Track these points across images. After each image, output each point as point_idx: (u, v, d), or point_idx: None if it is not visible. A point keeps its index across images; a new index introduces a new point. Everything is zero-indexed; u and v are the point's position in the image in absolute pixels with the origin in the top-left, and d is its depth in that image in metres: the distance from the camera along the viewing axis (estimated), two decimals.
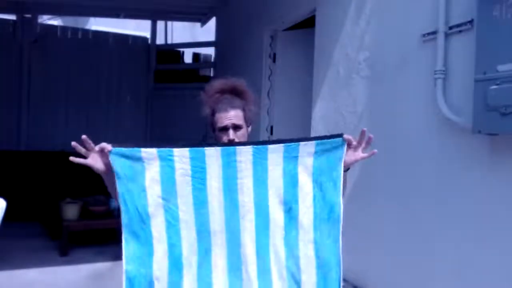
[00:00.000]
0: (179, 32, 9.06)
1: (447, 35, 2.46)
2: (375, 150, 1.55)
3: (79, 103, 6.57)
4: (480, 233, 2.26)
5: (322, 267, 1.51)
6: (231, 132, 1.62)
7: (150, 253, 1.42)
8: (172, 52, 7.67)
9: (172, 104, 6.76)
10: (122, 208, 1.41)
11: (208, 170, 1.44)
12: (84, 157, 1.44)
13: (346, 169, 1.53)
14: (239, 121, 1.65)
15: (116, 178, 1.39)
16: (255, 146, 1.46)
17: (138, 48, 7.13)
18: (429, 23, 2.57)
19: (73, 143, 1.41)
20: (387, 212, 2.93)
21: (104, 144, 1.42)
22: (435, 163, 2.56)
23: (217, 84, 1.73)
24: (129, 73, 6.98)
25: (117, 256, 4.24)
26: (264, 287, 1.46)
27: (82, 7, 6.86)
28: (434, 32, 2.52)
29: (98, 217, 4.38)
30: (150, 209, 1.42)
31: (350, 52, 3.37)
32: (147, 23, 7.42)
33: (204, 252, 1.45)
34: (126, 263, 1.39)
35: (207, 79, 7.39)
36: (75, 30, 6.99)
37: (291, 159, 1.47)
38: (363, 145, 1.55)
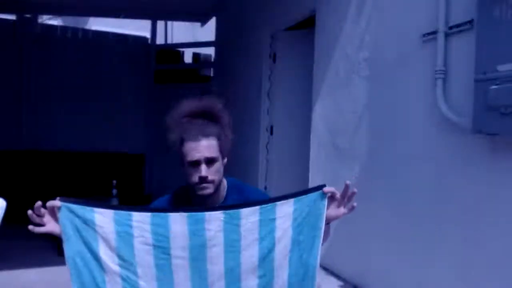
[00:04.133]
0: (179, 32, 9.06)
1: (447, 35, 2.46)
2: (355, 204, 1.37)
3: (79, 103, 6.56)
4: (481, 233, 2.25)
5: None
6: (203, 167, 1.36)
7: None
8: (172, 52, 7.67)
9: (172, 104, 6.75)
10: (72, 273, 1.27)
11: (173, 239, 1.28)
12: (42, 225, 1.27)
13: (327, 223, 1.36)
14: (213, 153, 1.38)
15: (64, 239, 1.25)
16: (226, 211, 1.30)
17: (138, 48, 7.13)
18: (429, 23, 2.57)
19: (29, 212, 1.24)
20: (387, 212, 2.93)
21: (51, 202, 1.26)
22: (435, 163, 2.55)
23: (186, 106, 1.47)
24: (129, 73, 6.97)
25: None
26: None
27: (82, 7, 6.86)
28: (434, 32, 2.52)
29: None
30: (107, 277, 1.28)
31: (350, 52, 3.37)
32: (147, 23, 7.41)
33: None
34: None
35: (207, 79, 7.40)
36: (75, 30, 7.00)
37: (267, 222, 1.33)
38: (346, 200, 1.36)
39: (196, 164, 1.37)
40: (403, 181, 2.81)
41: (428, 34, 2.58)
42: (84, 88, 6.62)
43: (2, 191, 2.22)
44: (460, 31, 2.39)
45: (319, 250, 1.34)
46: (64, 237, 1.25)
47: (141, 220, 1.27)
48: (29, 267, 3.61)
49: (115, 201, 4.42)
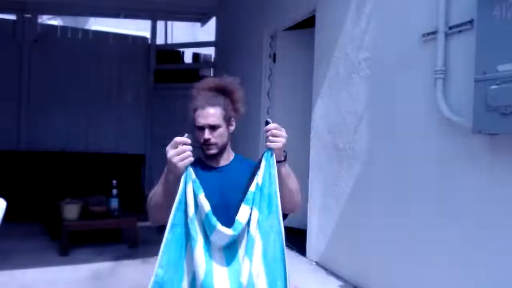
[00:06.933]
0: (179, 32, 9.07)
1: (447, 35, 2.47)
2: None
3: (79, 103, 6.56)
4: (480, 233, 2.26)
5: (268, 265, 1.49)
6: (206, 131, 1.61)
7: (182, 258, 1.42)
8: (172, 52, 7.67)
9: (172, 104, 6.76)
10: (178, 207, 1.40)
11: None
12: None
13: (283, 160, 1.57)
14: (216, 121, 1.61)
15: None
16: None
17: (138, 48, 7.12)
18: (429, 23, 2.57)
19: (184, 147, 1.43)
20: (387, 212, 2.93)
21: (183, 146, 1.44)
22: (435, 163, 2.56)
23: (209, 81, 1.72)
24: (129, 73, 6.97)
25: (117, 256, 4.24)
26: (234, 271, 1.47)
27: (82, 7, 6.86)
28: (434, 32, 2.52)
29: (98, 217, 4.38)
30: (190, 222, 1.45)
31: (350, 52, 3.37)
32: (147, 23, 7.41)
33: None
34: (159, 266, 1.37)
35: None
36: (75, 30, 6.99)
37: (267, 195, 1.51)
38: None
39: (202, 128, 1.61)
40: (403, 181, 2.81)
41: (428, 34, 2.58)
42: (84, 88, 6.62)
43: (2, 191, 2.22)
44: (460, 31, 2.39)
45: (276, 180, 1.50)
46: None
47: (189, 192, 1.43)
48: (29, 267, 3.61)
49: (115, 201, 4.42)
